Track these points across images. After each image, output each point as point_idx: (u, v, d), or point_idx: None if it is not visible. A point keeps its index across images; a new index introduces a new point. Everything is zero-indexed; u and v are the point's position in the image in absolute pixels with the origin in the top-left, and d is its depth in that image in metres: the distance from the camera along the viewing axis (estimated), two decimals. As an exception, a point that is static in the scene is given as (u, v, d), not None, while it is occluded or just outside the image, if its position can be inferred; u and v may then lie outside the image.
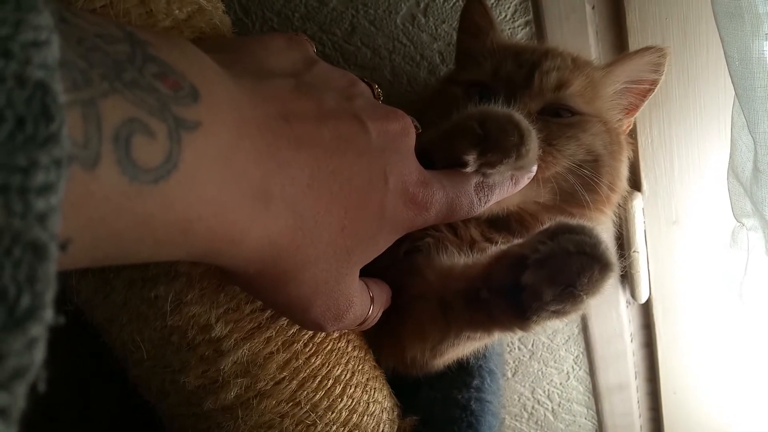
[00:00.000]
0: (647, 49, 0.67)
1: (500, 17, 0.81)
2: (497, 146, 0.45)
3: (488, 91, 0.63)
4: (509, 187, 0.49)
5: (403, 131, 0.42)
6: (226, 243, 0.31)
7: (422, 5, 0.81)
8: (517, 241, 0.51)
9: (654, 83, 0.69)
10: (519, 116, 0.47)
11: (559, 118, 0.62)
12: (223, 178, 0.29)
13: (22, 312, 0.16)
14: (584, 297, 0.44)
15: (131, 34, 0.27)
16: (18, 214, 0.17)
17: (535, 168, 0.50)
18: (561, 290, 0.44)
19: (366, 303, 0.46)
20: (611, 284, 0.45)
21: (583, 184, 0.61)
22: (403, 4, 0.82)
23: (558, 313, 0.45)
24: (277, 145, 0.33)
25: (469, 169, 0.46)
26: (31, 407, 0.17)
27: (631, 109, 0.71)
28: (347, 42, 0.85)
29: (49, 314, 0.17)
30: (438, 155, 0.47)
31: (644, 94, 0.70)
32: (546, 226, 0.48)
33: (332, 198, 0.36)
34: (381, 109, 0.42)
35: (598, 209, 0.65)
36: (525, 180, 0.50)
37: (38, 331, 0.17)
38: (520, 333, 0.50)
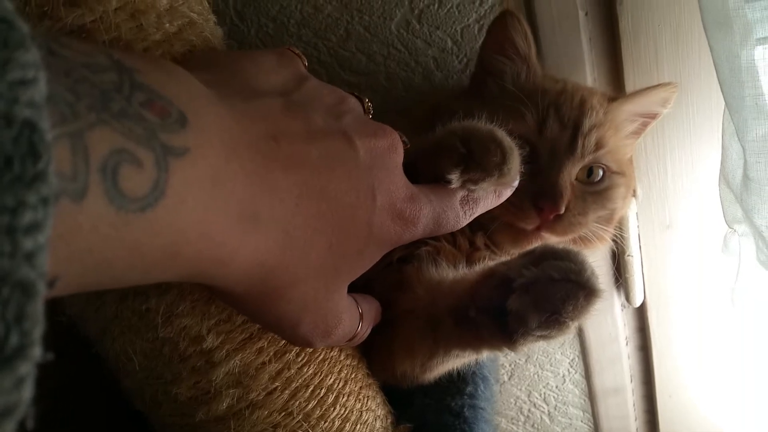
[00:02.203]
0: (661, 85, 0.71)
1: (494, 24, 0.81)
2: (480, 165, 0.46)
3: (531, 148, 0.63)
4: (493, 200, 0.50)
5: (390, 147, 0.42)
6: (214, 264, 0.31)
7: (416, 11, 0.82)
8: (505, 257, 0.51)
9: (658, 115, 0.74)
10: (501, 134, 0.48)
11: (591, 186, 0.66)
12: (211, 201, 0.29)
13: (11, 351, 0.16)
14: (569, 323, 0.44)
15: (118, 63, 0.27)
16: (6, 254, 0.17)
17: (517, 182, 0.51)
18: (546, 317, 0.44)
19: (355, 319, 0.46)
20: (597, 308, 0.45)
21: (594, 230, 0.66)
22: (397, 11, 0.82)
23: (544, 338, 0.46)
24: (266, 165, 0.33)
25: (453, 186, 0.46)
26: (24, 417, 0.17)
27: (636, 136, 0.76)
28: (342, 48, 0.85)
29: (37, 352, 0.17)
30: (422, 170, 0.47)
31: (648, 124, 0.75)
32: (531, 248, 0.48)
33: (320, 216, 0.37)
34: (369, 126, 0.42)
35: (602, 241, 0.69)
36: (508, 192, 0.51)
37: (27, 369, 0.17)
38: (508, 352, 0.51)
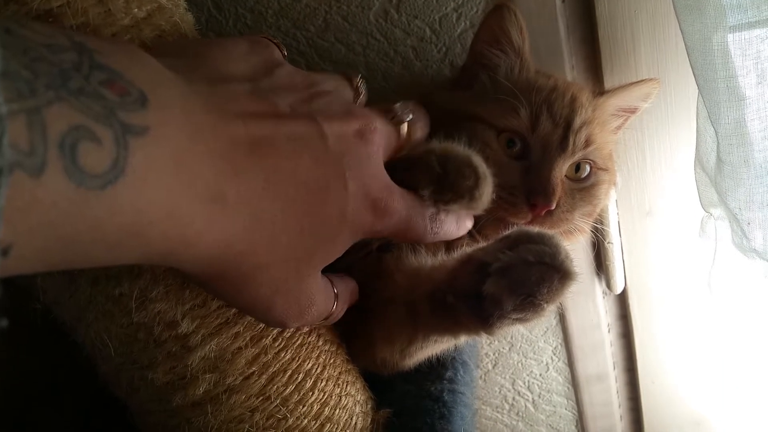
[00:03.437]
0: (644, 81, 0.73)
1: (472, 12, 0.82)
2: (453, 187, 0.48)
3: (523, 143, 0.64)
4: (454, 229, 0.51)
5: (361, 133, 0.42)
6: (181, 246, 0.32)
7: (395, 1, 0.82)
8: (482, 244, 0.51)
9: (639, 109, 0.76)
10: (478, 160, 0.49)
11: (578, 183, 0.67)
12: (174, 182, 0.29)
13: None
14: (545, 306, 0.45)
15: (79, 44, 0.27)
16: None
17: (484, 209, 0.52)
18: (521, 300, 0.45)
19: (330, 300, 0.46)
20: (572, 290, 0.46)
21: (577, 224, 0.68)
22: (375, 0, 0.82)
23: (520, 320, 0.47)
24: (232, 148, 0.34)
25: (425, 201, 0.48)
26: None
27: (617, 131, 0.78)
28: (321, 38, 0.85)
29: None
30: (400, 179, 0.48)
31: (628, 119, 0.77)
32: (507, 233, 0.49)
33: (289, 201, 0.37)
34: (339, 111, 0.42)
35: (582, 233, 0.72)
36: (469, 224, 0.53)
37: None
38: (486, 336, 0.51)
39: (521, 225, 0.63)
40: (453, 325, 0.52)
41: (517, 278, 0.45)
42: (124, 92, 0.27)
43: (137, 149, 0.27)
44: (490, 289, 0.46)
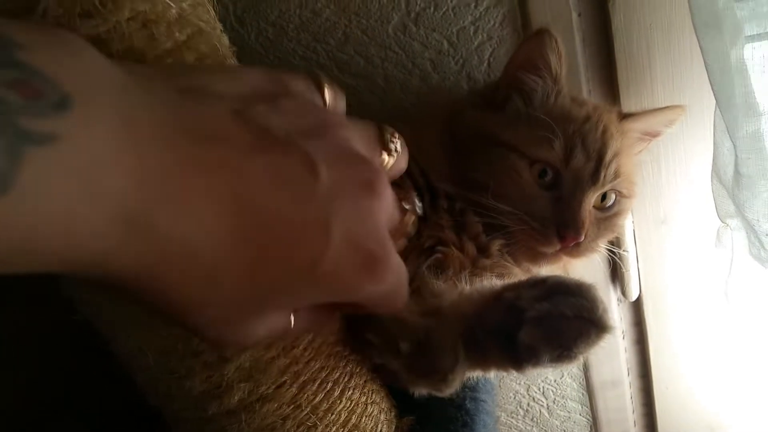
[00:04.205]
0: (670, 107, 0.75)
1: (489, 25, 0.83)
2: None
3: (555, 174, 0.66)
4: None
5: (370, 184, 0.35)
6: (87, 265, 0.28)
7: (413, 14, 0.83)
8: (511, 279, 0.53)
9: (661, 134, 0.78)
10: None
11: (604, 212, 0.69)
12: (79, 196, 0.26)
13: None
14: (580, 357, 0.46)
15: (4, 37, 0.25)
16: None
17: None
18: (558, 353, 0.46)
19: (279, 330, 0.38)
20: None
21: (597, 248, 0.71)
22: (394, 14, 0.83)
23: (552, 366, 0.48)
24: (183, 167, 0.29)
25: None
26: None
27: (639, 153, 0.80)
28: (341, 51, 0.87)
29: None
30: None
31: (650, 142, 0.79)
32: (542, 277, 0.49)
33: (246, 240, 0.31)
34: (348, 156, 0.36)
35: (598, 253, 0.74)
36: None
37: None
38: (515, 374, 0.53)
39: (551, 253, 0.66)
40: (482, 360, 0.53)
41: (554, 331, 0.46)
42: (38, 94, 0.24)
43: (34, 159, 0.24)
44: (525, 339, 0.47)
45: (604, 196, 0.69)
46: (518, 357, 0.48)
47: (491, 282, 0.56)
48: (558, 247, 0.64)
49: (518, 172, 0.64)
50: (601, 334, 0.45)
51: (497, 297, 0.51)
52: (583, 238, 0.63)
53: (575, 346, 0.45)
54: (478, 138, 0.66)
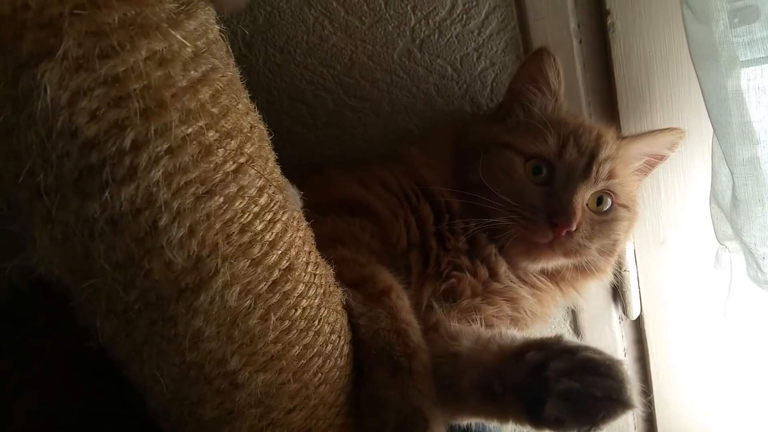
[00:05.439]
0: (669, 129, 0.77)
1: (492, 52, 0.85)
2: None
3: (549, 170, 0.69)
4: None
5: None
6: None
7: (418, 41, 0.85)
8: (532, 335, 0.55)
9: (665, 157, 0.80)
10: None
11: (599, 215, 0.71)
12: None
13: None
14: (603, 428, 0.48)
15: None
16: None
17: None
18: (585, 429, 0.48)
19: None
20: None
21: (596, 261, 0.72)
22: (399, 40, 0.85)
23: None
24: None
25: None
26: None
27: (642, 175, 0.82)
28: (347, 76, 0.89)
29: None
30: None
31: (654, 165, 0.81)
32: (568, 345, 0.52)
33: None
34: None
35: (603, 273, 0.76)
36: None
37: None
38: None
39: (544, 245, 0.68)
40: (499, 413, 0.55)
41: (582, 408, 0.48)
42: None
43: None
44: (553, 412, 0.49)
45: (600, 201, 0.71)
46: (541, 421, 0.50)
47: (509, 332, 0.57)
48: (550, 236, 0.66)
49: (513, 167, 0.68)
50: (626, 411, 0.47)
51: (519, 355, 0.53)
52: (574, 227, 0.65)
53: (602, 422, 0.47)
54: (481, 144, 0.71)
